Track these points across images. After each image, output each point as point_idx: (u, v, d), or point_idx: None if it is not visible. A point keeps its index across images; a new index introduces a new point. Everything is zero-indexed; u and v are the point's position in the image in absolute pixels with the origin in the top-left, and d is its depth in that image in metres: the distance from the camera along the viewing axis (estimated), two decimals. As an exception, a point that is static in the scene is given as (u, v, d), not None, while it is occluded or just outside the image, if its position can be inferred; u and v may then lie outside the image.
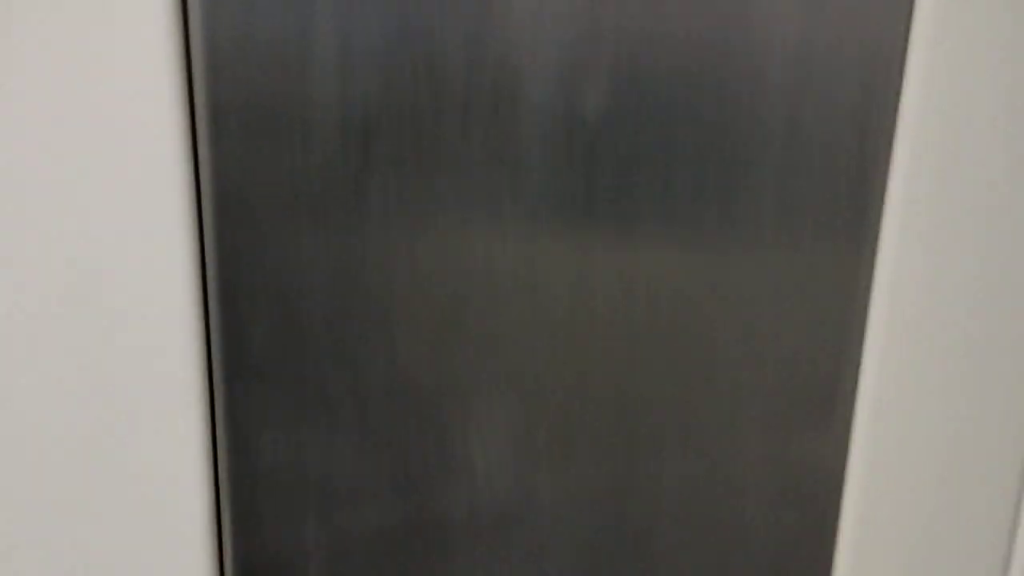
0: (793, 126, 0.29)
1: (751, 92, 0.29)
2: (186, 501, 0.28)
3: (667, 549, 0.28)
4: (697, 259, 0.27)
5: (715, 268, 0.28)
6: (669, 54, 0.27)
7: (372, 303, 0.25)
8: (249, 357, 0.26)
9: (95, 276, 0.28)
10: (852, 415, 0.28)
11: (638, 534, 0.28)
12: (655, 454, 0.27)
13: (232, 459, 0.26)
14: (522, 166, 0.26)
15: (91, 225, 0.27)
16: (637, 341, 0.26)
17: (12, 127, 0.25)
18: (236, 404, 0.26)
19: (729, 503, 0.28)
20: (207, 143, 0.26)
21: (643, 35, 0.27)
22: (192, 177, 0.26)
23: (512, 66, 0.25)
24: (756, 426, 0.28)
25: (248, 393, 0.26)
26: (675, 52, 0.27)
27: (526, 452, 0.26)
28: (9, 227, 0.27)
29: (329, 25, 0.25)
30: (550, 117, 0.26)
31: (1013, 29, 0.29)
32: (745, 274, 0.28)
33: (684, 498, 0.28)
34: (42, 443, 0.31)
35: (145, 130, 0.26)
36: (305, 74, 0.26)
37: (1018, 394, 0.30)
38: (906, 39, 0.29)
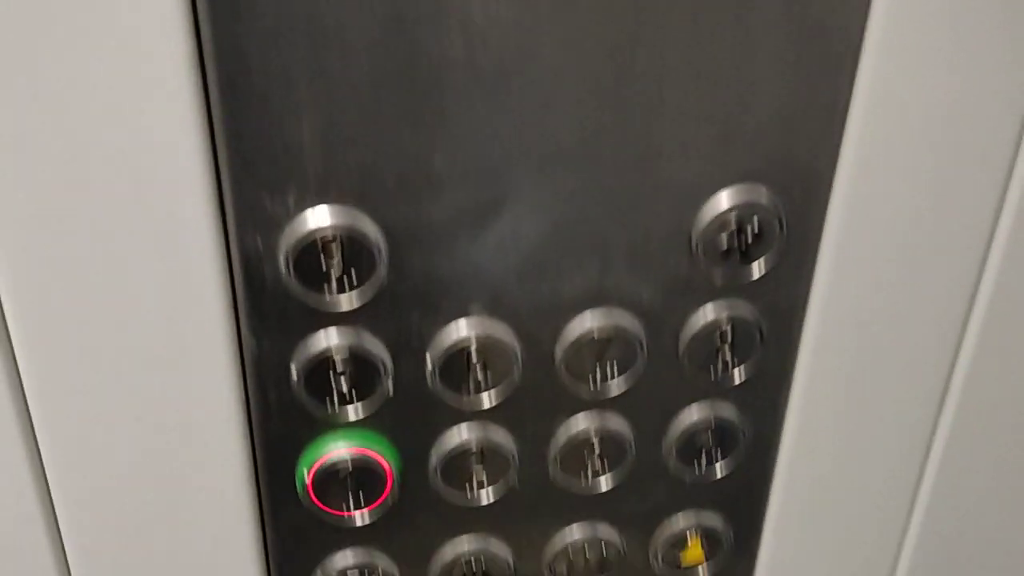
0: None
1: None
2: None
3: (671, 109, 0.28)
4: None
5: None
6: None
7: None
8: None
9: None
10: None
11: (643, 93, 0.28)
12: (663, 4, 0.27)
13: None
14: None
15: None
16: None
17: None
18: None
19: (739, 63, 0.28)
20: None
21: None
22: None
23: None
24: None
25: None
26: None
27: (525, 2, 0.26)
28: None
29: None
30: None
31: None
32: None
33: (692, 56, 0.28)
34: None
35: None
36: None
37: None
38: None
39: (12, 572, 0.34)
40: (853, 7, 0.28)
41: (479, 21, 0.26)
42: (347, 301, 0.30)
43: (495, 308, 0.32)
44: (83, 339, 0.30)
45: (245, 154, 0.27)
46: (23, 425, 0.31)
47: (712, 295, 0.33)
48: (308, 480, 0.34)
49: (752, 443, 0.37)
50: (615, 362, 0.33)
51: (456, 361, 0.32)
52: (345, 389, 0.31)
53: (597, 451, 0.35)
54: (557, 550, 0.38)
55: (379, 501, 0.35)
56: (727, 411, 0.36)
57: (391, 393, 0.32)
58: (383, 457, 0.34)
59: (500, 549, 0.38)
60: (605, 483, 0.36)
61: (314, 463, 0.34)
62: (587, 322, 0.32)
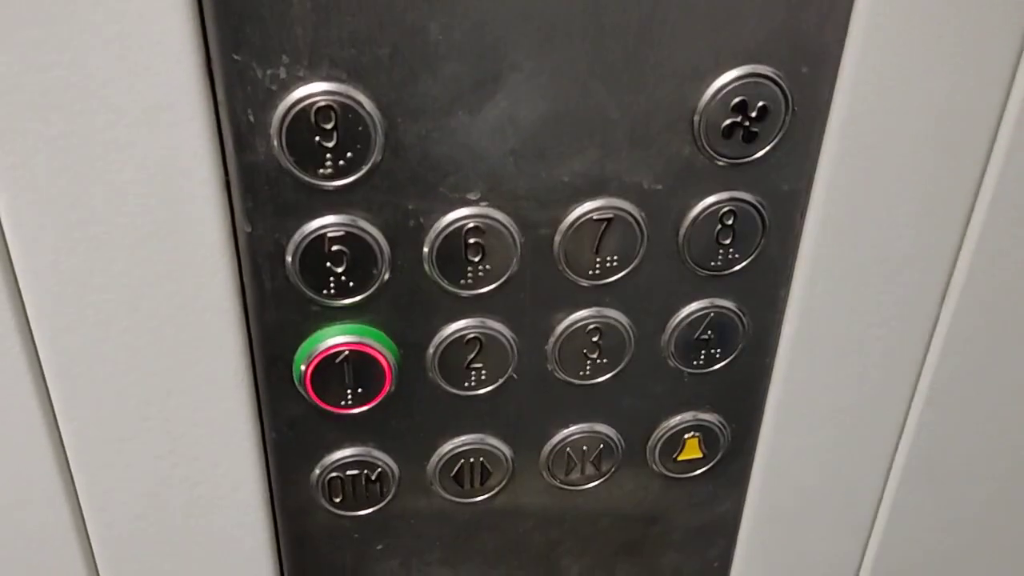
0: None
1: None
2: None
3: None
4: None
5: None
6: None
7: None
8: None
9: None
10: None
11: None
12: None
13: None
14: None
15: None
16: None
17: None
18: None
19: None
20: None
21: None
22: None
23: None
24: None
25: None
26: None
27: None
28: None
29: None
30: None
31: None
32: None
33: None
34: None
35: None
36: None
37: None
38: None
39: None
40: None
41: None
42: (341, 177, 0.29)
43: (493, 192, 0.31)
44: (73, 229, 0.29)
45: (234, 23, 0.26)
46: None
47: (714, 179, 0.32)
48: (306, 375, 0.34)
49: (751, 337, 0.37)
50: (614, 249, 0.33)
51: (454, 247, 0.32)
52: (340, 271, 0.31)
53: (595, 342, 0.35)
54: (555, 445, 0.38)
55: (379, 397, 0.35)
56: (727, 302, 0.35)
57: (388, 278, 0.32)
58: (381, 351, 0.34)
59: (498, 444, 0.38)
60: (604, 376, 0.36)
61: (312, 357, 0.33)
62: (586, 207, 0.32)
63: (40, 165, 0.28)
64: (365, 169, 0.29)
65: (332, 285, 0.32)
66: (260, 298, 0.32)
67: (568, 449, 0.38)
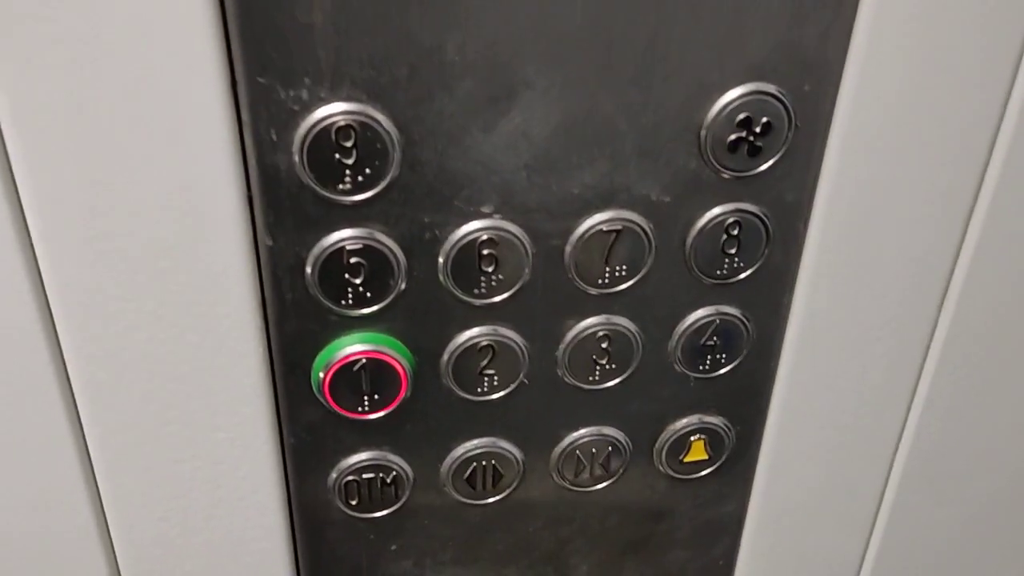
0: None
1: None
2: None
3: (681, 3, 0.29)
4: None
5: None
6: None
7: None
8: None
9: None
10: None
11: None
12: None
13: None
14: None
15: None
16: None
17: None
18: None
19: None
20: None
21: None
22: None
23: None
24: None
25: None
26: None
27: None
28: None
29: None
30: None
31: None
32: None
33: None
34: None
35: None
36: None
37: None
38: None
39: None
40: None
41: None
42: (359, 192, 0.30)
43: (506, 205, 0.32)
44: (100, 240, 0.30)
45: (259, 47, 0.27)
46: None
47: (719, 191, 0.33)
48: (325, 382, 0.35)
49: (755, 342, 0.38)
50: (623, 259, 0.34)
51: (468, 258, 0.33)
52: (358, 282, 0.32)
53: (604, 349, 0.36)
54: (565, 448, 0.39)
55: (394, 402, 0.36)
56: (732, 309, 0.36)
57: (404, 289, 0.33)
58: (397, 358, 0.35)
59: (510, 447, 0.39)
60: (612, 381, 0.37)
61: (330, 365, 0.34)
62: (596, 219, 0.33)
63: (71, 182, 0.29)
64: (383, 184, 0.30)
65: (350, 295, 0.33)
66: (280, 308, 0.33)
67: (577, 451, 0.39)
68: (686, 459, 0.41)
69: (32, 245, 0.30)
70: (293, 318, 0.33)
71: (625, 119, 0.31)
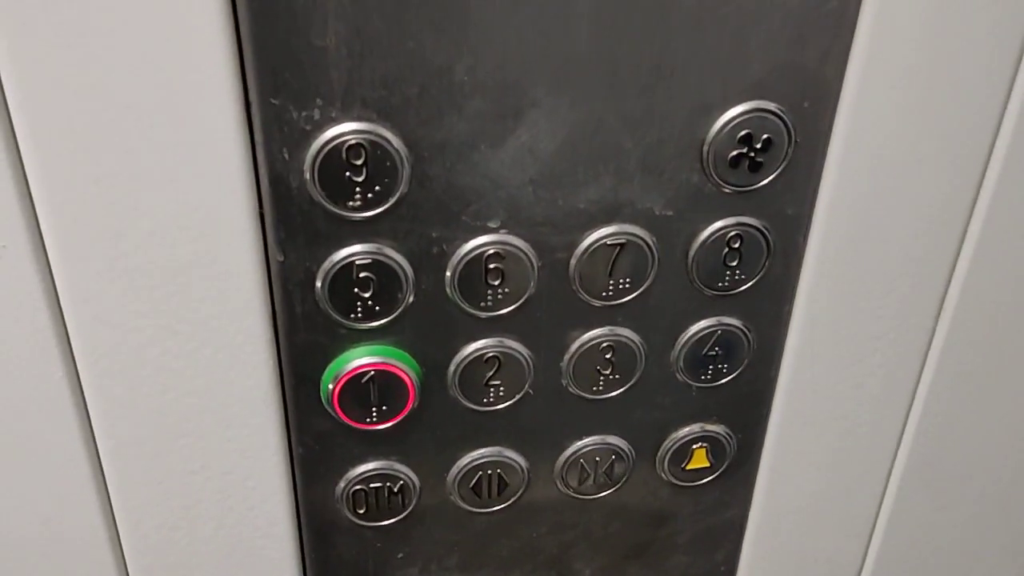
0: None
1: None
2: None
3: (684, 22, 0.29)
4: None
5: None
6: None
7: None
8: None
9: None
10: None
11: (658, 6, 0.29)
12: None
13: None
14: None
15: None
16: None
17: None
18: None
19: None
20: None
21: None
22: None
23: None
24: None
25: None
26: None
27: None
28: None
29: None
30: None
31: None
32: None
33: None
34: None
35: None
36: None
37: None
38: None
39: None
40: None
41: (499, -69, 0.27)
42: (369, 208, 0.31)
43: (512, 220, 0.33)
44: (116, 257, 0.31)
45: (272, 69, 0.28)
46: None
47: (721, 206, 0.34)
48: (334, 393, 0.35)
49: (756, 352, 0.38)
50: (627, 272, 0.35)
51: (475, 272, 0.33)
52: (367, 296, 0.33)
53: (608, 359, 0.37)
54: (569, 456, 0.40)
55: (402, 413, 0.36)
56: (733, 320, 0.37)
57: (412, 302, 0.34)
58: (405, 370, 0.35)
59: (515, 456, 0.39)
60: (616, 391, 0.38)
61: (339, 377, 0.35)
62: (600, 233, 0.34)
63: (89, 201, 0.29)
64: (392, 201, 0.31)
65: (359, 309, 0.33)
66: (290, 322, 0.34)
67: (581, 460, 0.40)
68: (688, 467, 0.41)
69: (48, 262, 0.31)
70: (303, 331, 0.34)
71: (629, 136, 0.32)
